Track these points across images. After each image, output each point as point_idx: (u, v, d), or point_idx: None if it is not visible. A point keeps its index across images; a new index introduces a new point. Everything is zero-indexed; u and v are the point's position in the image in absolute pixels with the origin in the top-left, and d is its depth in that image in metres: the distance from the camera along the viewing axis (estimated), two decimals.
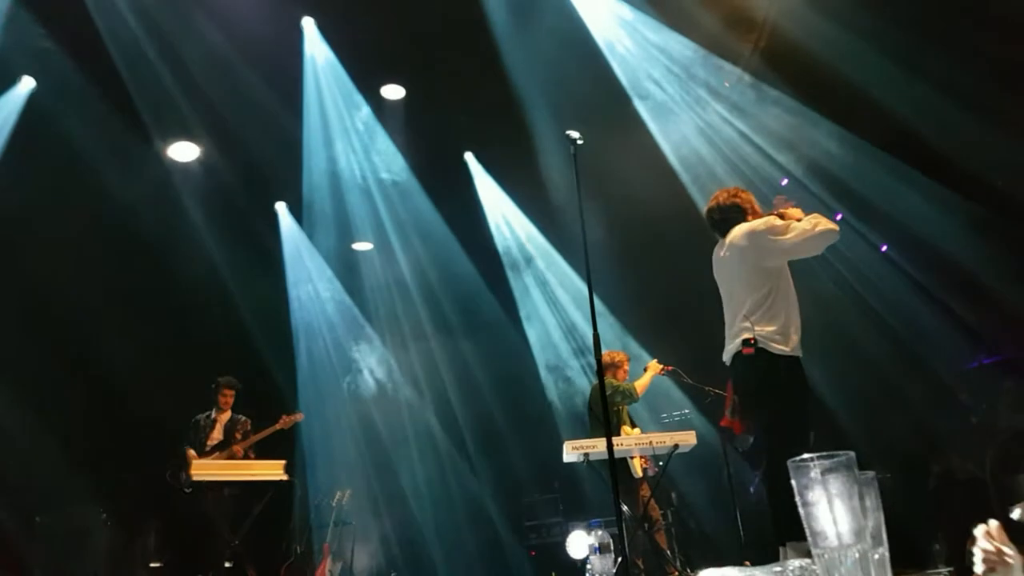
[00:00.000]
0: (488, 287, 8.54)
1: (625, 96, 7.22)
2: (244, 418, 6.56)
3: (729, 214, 3.99)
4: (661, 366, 6.03)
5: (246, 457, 6.25)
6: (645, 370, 6.06)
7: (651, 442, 5.51)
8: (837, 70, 6.25)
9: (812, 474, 1.26)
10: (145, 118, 6.80)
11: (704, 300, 4.43)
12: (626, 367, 6.17)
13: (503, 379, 8.52)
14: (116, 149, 6.68)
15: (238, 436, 6.39)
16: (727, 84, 7.22)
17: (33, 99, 6.34)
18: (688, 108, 7.37)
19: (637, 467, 5.86)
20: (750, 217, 3.95)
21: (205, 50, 6.44)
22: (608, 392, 5.82)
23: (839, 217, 7.54)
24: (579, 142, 4.00)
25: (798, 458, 1.32)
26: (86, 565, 5.47)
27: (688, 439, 5.44)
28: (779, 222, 3.83)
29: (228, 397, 6.54)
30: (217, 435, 6.41)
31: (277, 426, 6.56)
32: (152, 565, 6.12)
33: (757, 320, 3.69)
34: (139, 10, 6.19)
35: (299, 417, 6.75)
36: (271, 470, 6.02)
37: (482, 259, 8.62)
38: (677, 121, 7.38)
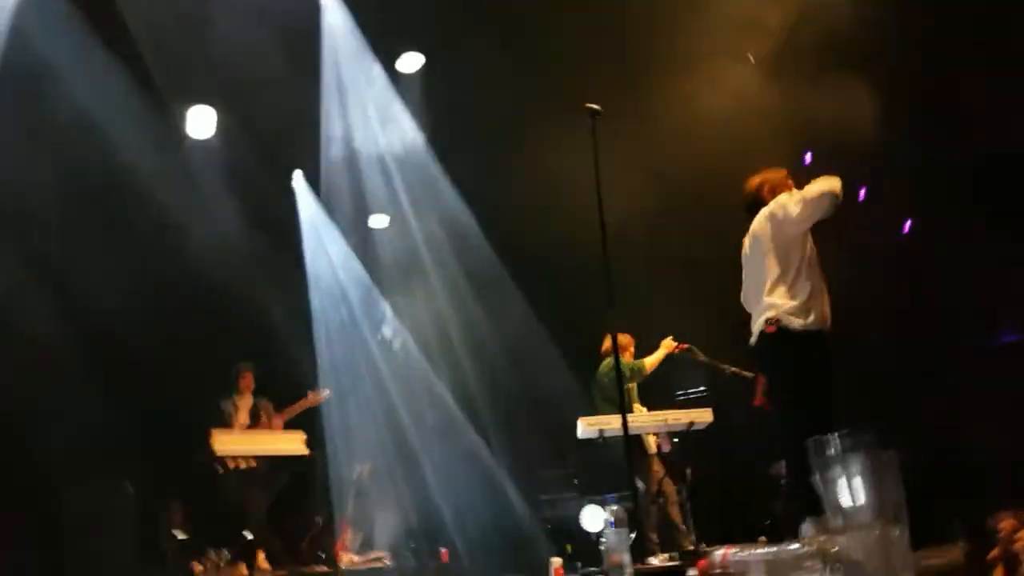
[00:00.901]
0: (505, 262, 8.50)
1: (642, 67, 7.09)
2: (266, 400, 6.59)
3: (756, 198, 4.00)
4: (676, 344, 5.99)
5: None
6: (659, 347, 6.04)
7: (667, 419, 5.53)
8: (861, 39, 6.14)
9: (833, 451, 1.26)
10: (162, 87, 6.77)
11: (722, 278, 4.41)
12: (632, 350, 6.13)
13: (520, 355, 8.52)
14: (131, 119, 6.65)
15: (264, 418, 6.44)
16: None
17: (41, 58, 6.21)
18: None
19: (651, 443, 5.86)
20: (769, 198, 3.94)
21: (222, 16, 6.38)
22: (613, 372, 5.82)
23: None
24: (598, 114, 3.96)
25: (819, 435, 1.32)
26: (113, 537, 5.58)
27: (704, 416, 5.45)
28: (785, 197, 3.84)
29: (248, 380, 6.55)
30: (244, 419, 6.44)
31: (304, 403, 6.60)
32: (178, 537, 6.23)
33: (779, 297, 3.70)
34: None
35: (326, 394, 6.79)
36: (292, 443, 6.09)
37: (497, 234, 8.56)
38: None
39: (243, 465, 6.04)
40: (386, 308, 8.78)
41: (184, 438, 6.30)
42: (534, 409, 8.26)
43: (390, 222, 8.87)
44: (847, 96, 6.54)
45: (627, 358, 5.98)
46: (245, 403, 6.51)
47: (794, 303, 3.64)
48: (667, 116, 6.94)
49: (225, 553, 5.50)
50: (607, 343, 6.11)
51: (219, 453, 5.75)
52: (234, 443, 5.93)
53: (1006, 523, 4.02)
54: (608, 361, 5.98)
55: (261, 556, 5.84)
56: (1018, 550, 2.84)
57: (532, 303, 8.37)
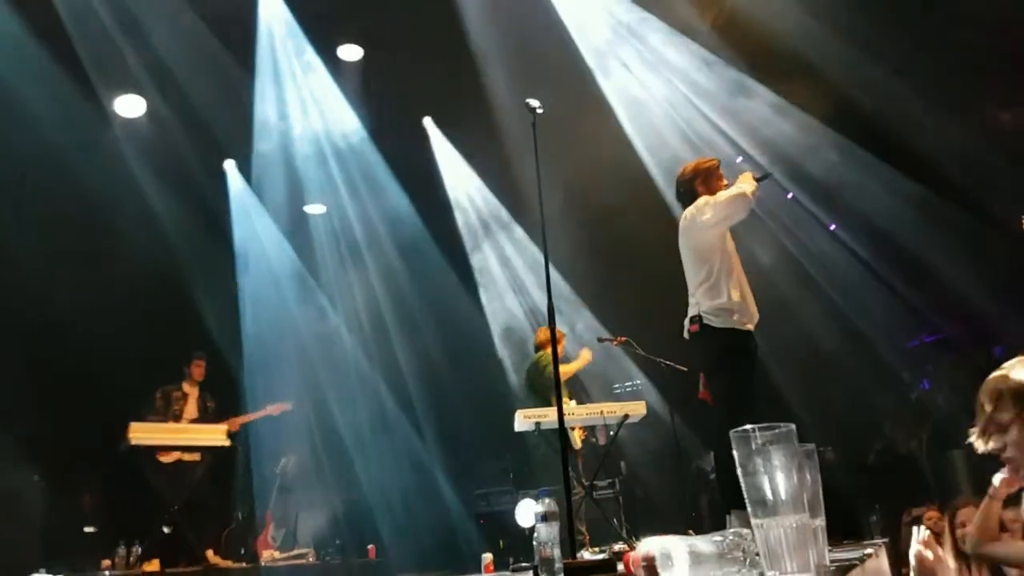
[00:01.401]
0: (443, 253, 8.46)
1: (584, 64, 7.15)
2: (209, 394, 6.39)
3: (689, 187, 4.03)
4: (590, 353, 6.09)
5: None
6: (579, 356, 6.10)
7: (602, 412, 5.56)
8: (794, 49, 6.29)
9: (753, 445, 1.26)
10: (90, 71, 6.49)
11: (661, 271, 4.46)
12: (562, 343, 6.17)
13: (456, 347, 8.48)
14: (58, 102, 6.36)
15: (209, 415, 6.22)
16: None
17: None
18: (648, 80, 7.34)
19: (576, 438, 5.92)
20: (701, 189, 3.98)
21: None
22: (544, 366, 5.85)
23: (790, 196, 7.64)
24: (538, 111, 3.91)
25: (740, 428, 1.32)
26: (17, 528, 5.30)
27: (638, 409, 5.50)
28: (702, 201, 3.87)
29: (200, 369, 6.32)
30: (192, 410, 6.20)
31: (264, 412, 6.47)
32: (87, 530, 5.97)
33: (701, 297, 3.78)
34: None
35: (287, 407, 6.61)
36: (213, 434, 5.90)
37: (438, 225, 8.52)
38: (635, 91, 7.35)
39: (164, 458, 5.82)
40: (319, 298, 8.61)
41: (103, 428, 6.03)
42: (470, 402, 8.23)
43: (327, 210, 8.71)
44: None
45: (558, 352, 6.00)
46: (193, 393, 6.28)
47: (715, 303, 3.71)
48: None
49: (137, 548, 5.27)
50: (541, 335, 6.15)
51: (135, 443, 5.50)
52: (153, 434, 5.69)
53: (931, 513, 4.20)
54: (541, 354, 6.01)
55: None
56: (963, 534, 2.96)
57: (470, 294, 8.34)
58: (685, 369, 5.54)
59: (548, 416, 5.36)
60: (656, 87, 7.37)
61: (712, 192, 3.91)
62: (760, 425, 1.30)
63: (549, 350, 5.97)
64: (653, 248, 7.74)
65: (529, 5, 6.65)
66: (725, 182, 3.99)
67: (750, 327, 3.77)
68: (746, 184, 3.81)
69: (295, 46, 7.49)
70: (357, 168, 8.19)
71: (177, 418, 6.05)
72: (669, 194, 6.90)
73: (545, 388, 5.85)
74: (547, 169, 3.86)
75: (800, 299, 7.50)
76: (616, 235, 7.77)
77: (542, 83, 5.53)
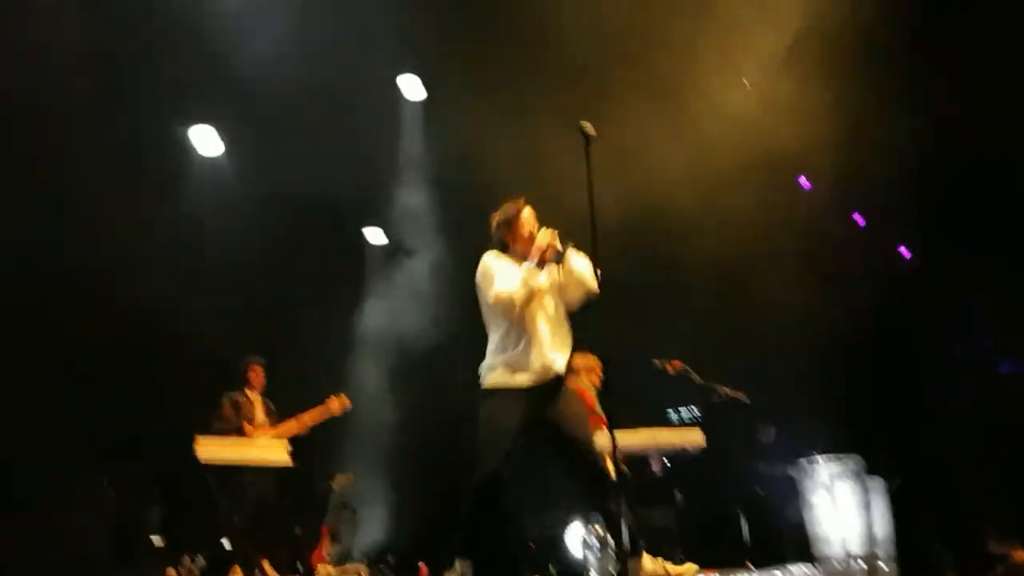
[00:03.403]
0: None
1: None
2: (269, 399, 6.41)
3: (497, 236, 3.98)
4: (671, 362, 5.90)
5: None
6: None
7: (656, 439, 5.44)
8: None
9: (819, 477, 1.22)
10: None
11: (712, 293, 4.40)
12: (599, 372, 6.04)
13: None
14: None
15: (275, 418, 6.28)
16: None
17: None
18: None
19: (609, 467, 5.74)
20: (508, 239, 3.93)
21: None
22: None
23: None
24: (592, 135, 3.89)
25: (806, 458, 1.28)
26: (86, 535, 5.46)
27: (695, 439, 5.36)
28: (483, 272, 3.80)
29: (259, 375, 6.30)
30: (260, 415, 6.24)
31: (327, 408, 6.36)
32: (152, 538, 6.09)
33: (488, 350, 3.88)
34: None
35: (348, 405, 6.52)
36: (276, 453, 5.96)
37: None
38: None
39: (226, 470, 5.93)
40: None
41: (169, 436, 6.19)
42: None
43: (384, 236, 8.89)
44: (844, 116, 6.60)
45: (594, 381, 5.89)
46: (257, 399, 6.29)
47: (487, 361, 3.81)
48: (658, 135, 6.93)
49: (200, 560, 5.37)
50: (575, 360, 6.01)
51: (203, 460, 5.61)
52: (219, 450, 5.80)
53: (1020, 554, 3.98)
54: (573, 379, 5.90)
55: (236, 567, 5.72)
56: None
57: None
58: (746, 399, 5.40)
59: (598, 441, 5.29)
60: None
61: (519, 241, 3.87)
62: (827, 456, 1.27)
63: (583, 377, 5.94)
64: (701, 271, 7.73)
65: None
66: (529, 231, 3.90)
67: (520, 387, 3.74)
68: (527, 272, 3.70)
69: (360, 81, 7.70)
70: (416, 195, 8.32)
71: (250, 422, 6.11)
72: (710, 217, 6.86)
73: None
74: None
75: (863, 326, 7.29)
76: (660, 258, 7.74)
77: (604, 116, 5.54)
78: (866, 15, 6.14)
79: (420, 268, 8.61)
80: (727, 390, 5.58)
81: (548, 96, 6.69)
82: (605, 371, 5.79)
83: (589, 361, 5.86)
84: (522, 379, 3.71)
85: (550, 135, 5.64)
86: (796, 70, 6.65)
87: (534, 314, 3.76)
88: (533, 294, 3.70)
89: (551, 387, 3.77)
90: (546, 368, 3.73)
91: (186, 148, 7.55)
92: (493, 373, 3.77)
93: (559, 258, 3.81)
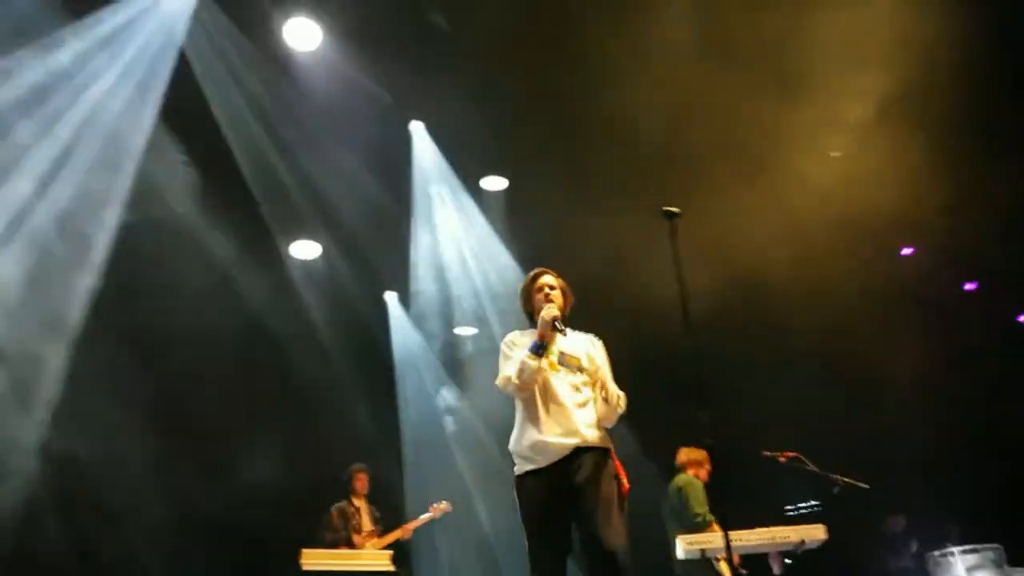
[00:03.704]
0: None
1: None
2: (374, 506, 6.61)
3: (523, 309, 3.85)
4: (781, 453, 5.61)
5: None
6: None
7: (774, 537, 5.14)
8: None
9: (955, 571, 1.12)
10: (269, 221, 7.31)
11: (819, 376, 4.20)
12: (707, 467, 5.78)
13: None
14: (244, 251, 7.19)
15: (380, 526, 6.44)
16: None
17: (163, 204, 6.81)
18: None
19: (724, 570, 5.38)
20: (527, 309, 3.80)
21: (323, 155, 6.94)
22: (688, 495, 5.50)
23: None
24: (675, 213, 3.93)
25: (939, 551, 1.19)
26: None
27: (816, 534, 5.04)
28: (502, 345, 3.68)
29: (363, 482, 6.54)
30: (367, 523, 6.42)
31: (429, 515, 6.62)
32: None
33: None
34: (262, 119, 6.76)
35: (446, 507, 6.75)
36: (379, 561, 6.01)
37: None
38: None
39: None
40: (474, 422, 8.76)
41: (277, 549, 6.32)
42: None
43: (478, 331, 9.04)
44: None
45: (703, 475, 5.66)
46: (363, 506, 6.50)
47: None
48: (749, 214, 6.85)
49: None
50: (683, 455, 5.80)
51: (306, 568, 5.70)
52: (323, 559, 5.89)
53: None
54: (681, 476, 5.67)
55: None
56: None
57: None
58: (866, 486, 5.08)
59: (713, 543, 5.03)
60: None
61: (534, 311, 3.68)
62: (962, 547, 1.17)
63: (691, 473, 5.71)
64: (807, 349, 7.41)
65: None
66: (544, 294, 3.71)
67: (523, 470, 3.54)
68: (524, 358, 3.45)
69: (444, 180, 8.08)
70: (505, 295, 8.48)
71: (357, 531, 6.24)
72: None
73: (692, 519, 5.45)
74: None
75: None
76: (763, 340, 7.49)
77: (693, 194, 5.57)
78: (955, 72, 6.02)
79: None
80: (845, 478, 5.25)
81: (632, 185, 6.79)
82: (713, 465, 5.60)
83: (696, 455, 5.68)
84: (530, 464, 3.50)
85: (637, 224, 5.69)
86: (888, 135, 6.50)
87: (536, 394, 3.54)
88: (533, 378, 3.46)
89: (569, 467, 3.42)
90: (546, 449, 3.44)
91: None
92: (515, 459, 3.60)
93: (559, 328, 3.51)
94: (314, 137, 6.97)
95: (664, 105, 6.11)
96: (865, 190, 6.58)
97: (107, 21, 6.00)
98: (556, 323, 3.47)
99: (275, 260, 7.73)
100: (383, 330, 8.84)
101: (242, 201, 7.08)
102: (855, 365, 7.35)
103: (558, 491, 3.41)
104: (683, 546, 5.07)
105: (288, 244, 7.80)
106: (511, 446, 3.60)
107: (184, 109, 6.40)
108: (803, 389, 7.25)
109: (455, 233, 8.34)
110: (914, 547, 6.75)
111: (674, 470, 5.81)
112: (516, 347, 3.60)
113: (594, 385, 3.65)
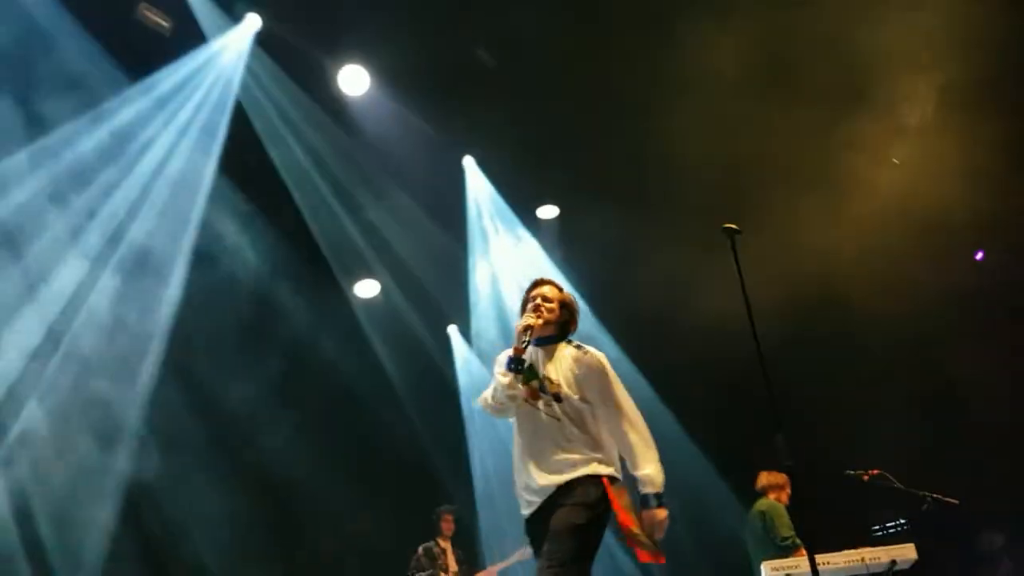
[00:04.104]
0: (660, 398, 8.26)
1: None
2: (459, 548, 6.62)
3: None
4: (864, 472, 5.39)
5: None
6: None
7: (863, 559, 4.92)
8: None
9: None
10: (330, 262, 7.46)
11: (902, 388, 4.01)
12: (788, 491, 5.56)
13: (681, 491, 8.07)
14: (304, 292, 7.33)
15: (465, 567, 6.46)
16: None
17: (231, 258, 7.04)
18: None
19: None
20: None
21: (379, 194, 7.07)
22: (772, 520, 5.31)
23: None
24: (736, 231, 3.83)
25: None
26: None
27: (907, 553, 4.81)
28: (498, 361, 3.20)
29: (450, 523, 6.56)
30: (452, 564, 6.42)
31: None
32: None
33: None
34: (318, 163, 6.92)
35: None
36: None
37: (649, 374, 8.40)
38: None
39: None
40: None
41: None
42: (700, 546, 7.68)
43: None
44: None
45: (784, 499, 5.46)
46: (448, 547, 6.51)
47: None
48: (815, 226, 6.65)
49: None
50: (763, 479, 5.62)
51: None
52: None
53: None
54: (763, 501, 5.48)
55: None
56: None
57: (694, 435, 7.99)
58: (956, 501, 4.83)
59: (799, 567, 4.84)
60: None
61: None
62: None
63: (773, 497, 5.51)
64: (888, 360, 7.10)
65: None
66: (533, 305, 3.27)
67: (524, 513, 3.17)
68: (499, 379, 3.10)
69: (499, 212, 8.12)
70: None
71: (444, 572, 6.24)
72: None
73: (778, 544, 5.25)
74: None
75: None
76: (841, 354, 7.23)
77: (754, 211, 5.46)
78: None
79: None
80: (934, 494, 5.00)
81: (689, 205, 6.69)
82: (794, 487, 5.41)
83: (776, 478, 5.50)
84: (525, 507, 3.14)
85: (697, 244, 5.59)
86: (956, 135, 6.25)
87: (520, 427, 3.16)
88: (507, 398, 3.08)
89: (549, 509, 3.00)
90: (532, 489, 3.05)
91: None
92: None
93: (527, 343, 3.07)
94: (369, 177, 7.13)
95: (718, 122, 6.02)
96: (938, 192, 6.31)
97: (164, 81, 6.25)
98: (524, 335, 3.04)
99: (338, 300, 7.85)
100: (448, 364, 8.85)
101: (303, 244, 7.24)
102: (941, 376, 7.01)
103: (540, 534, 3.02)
104: (768, 571, 4.90)
105: (350, 284, 7.93)
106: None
107: (243, 159, 6.61)
108: (886, 403, 6.95)
109: (512, 264, 8.34)
110: (1010, 565, 6.39)
111: (755, 495, 5.64)
112: (500, 366, 3.16)
113: (581, 416, 3.08)
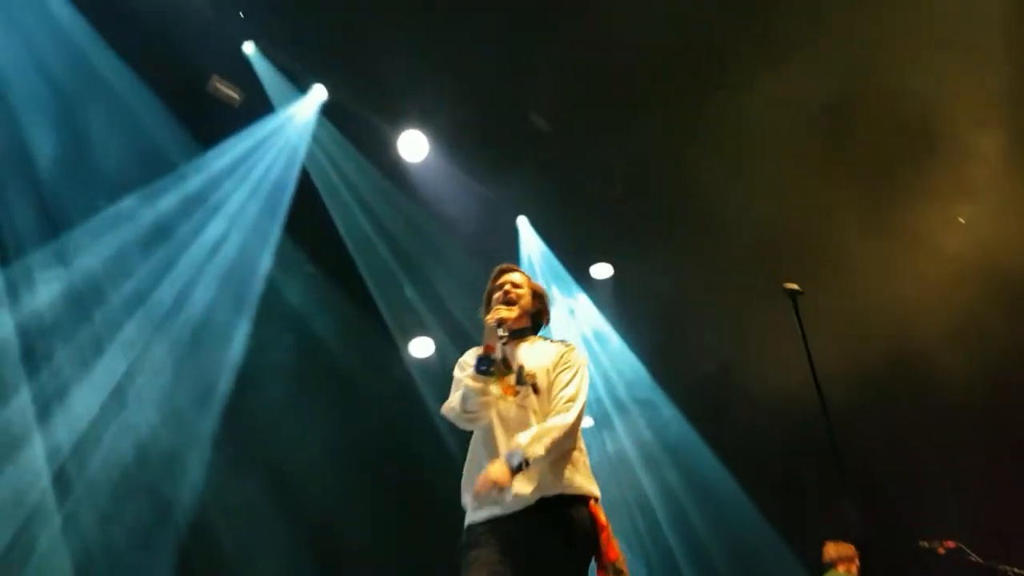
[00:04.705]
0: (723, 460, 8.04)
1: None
2: None
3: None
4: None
5: None
6: None
7: None
8: None
9: None
10: (388, 320, 7.57)
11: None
12: (857, 564, 5.28)
13: (741, 548, 7.76)
14: (362, 349, 7.44)
15: None
16: None
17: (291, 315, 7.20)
18: None
19: None
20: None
21: (436, 255, 7.20)
22: None
23: None
24: (798, 292, 3.79)
25: None
26: None
27: None
28: (461, 365, 2.91)
29: None
30: None
31: None
32: None
33: None
34: (378, 225, 7.11)
35: None
36: None
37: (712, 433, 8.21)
38: None
39: None
40: None
41: None
42: None
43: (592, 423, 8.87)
44: None
45: (854, 571, 5.23)
46: None
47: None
48: (882, 284, 6.47)
49: None
50: (830, 550, 5.37)
51: None
52: None
53: None
54: (831, 573, 5.26)
55: None
56: None
57: (757, 500, 7.72)
58: None
59: None
60: None
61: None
62: None
63: (843, 569, 5.25)
64: (966, 422, 6.74)
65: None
66: (503, 292, 3.00)
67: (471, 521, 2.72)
68: (467, 380, 2.73)
69: (552, 271, 8.16)
70: (621, 383, 8.33)
71: None
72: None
73: None
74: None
75: None
76: (915, 416, 6.93)
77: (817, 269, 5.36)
78: None
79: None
80: (1015, 568, 4.71)
81: (747, 265, 6.61)
82: (864, 560, 5.17)
83: (845, 550, 5.27)
84: (485, 510, 2.64)
85: (758, 305, 5.48)
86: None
87: (491, 423, 2.74)
88: (481, 405, 2.71)
89: (529, 525, 2.55)
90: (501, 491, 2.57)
91: None
92: (466, 507, 2.76)
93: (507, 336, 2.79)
94: (426, 238, 7.27)
95: (776, 177, 5.97)
96: (1016, 245, 6.09)
97: (234, 148, 6.53)
98: (500, 328, 2.75)
99: (393, 357, 7.93)
100: None
101: (361, 303, 7.38)
102: (1022, 440, 6.62)
103: (508, 554, 2.53)
104: None
105: (405, 342, 8.01)
106: (462, 495, 2.77)
107: (307, 222, 6.83)
108: (963, 468, 6.58)
109: (566, 323, 8.34)
110: None
111: (822, 567, 5.40)
112: (468, 368, 2.81)
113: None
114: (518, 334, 2.90)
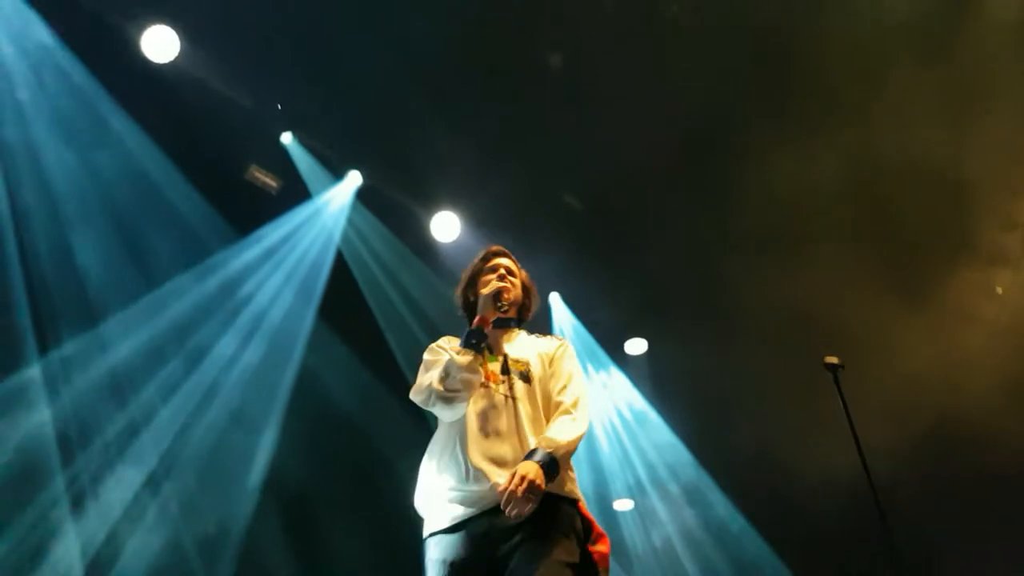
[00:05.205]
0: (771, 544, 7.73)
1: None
2: None
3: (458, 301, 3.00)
4: None
5: None
6: None
7: None
8: None
9: None
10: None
11: None
12: None
13: None
14: (398, 427, 7.36)
15: None
16: None
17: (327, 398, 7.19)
18: None
19: None
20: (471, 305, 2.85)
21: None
22: None
23: None
24: (839, 366, 3.70)
25: None
26: None
27: None
28: (425, 353, 2.66)
29: None
30: None
31: None
32: None
33: None
34: (410, 304, 7.15)
35: None
36: None
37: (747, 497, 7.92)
38: None
39: None
40: None
41: None
42: None
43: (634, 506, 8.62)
44: None
45: None
46: None
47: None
48: (928, 358, 6.29)
49: None
50: None
51: None
52: None
53: None
54: None
55: None
56: None
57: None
58: None
59: None
60: None
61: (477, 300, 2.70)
62: None
63: None
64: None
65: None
66: (499, 275, 2.76)
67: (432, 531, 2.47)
68: (440, 363, 2.49)
69: (586, 348, 8.10)
70: (659, 464, 8.14)
71: None
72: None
73: None
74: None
75: None
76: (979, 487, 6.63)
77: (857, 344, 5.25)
78: None
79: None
80: None
81: (784, 339, 6.50)
82: None
83: None
84: (453, 508, 2.38)
85: (798, 380, 5.36)
86: None
87: (473, 408, 2.47)
88: (466, 383, 2.43)
89: (504, 525, 2.28)
90: (473, 494, 2.34)
91: None
92: (424, 511, 2.50)
93: (508, 324, 2.63)
94: (458, 317, 7.26)
95: (811, 255, 5.93)
96: None
97: (271, 234, 6.66)
98: (499, 300, 2.55)
99: (427, 436, 7.83)
100: None
101: (396, 382, 7.35)
102: None
103: (482, 560, 2.28)
104: None
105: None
106: (416, 498, 2.53)
107: (342, 303, 6.89)
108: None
109: (602, 399, 8.22)
110: None
111: None
112: (434, 357, 2.59)
113: (548, 401, 2.53)
114: (503, 323, 2.69)
